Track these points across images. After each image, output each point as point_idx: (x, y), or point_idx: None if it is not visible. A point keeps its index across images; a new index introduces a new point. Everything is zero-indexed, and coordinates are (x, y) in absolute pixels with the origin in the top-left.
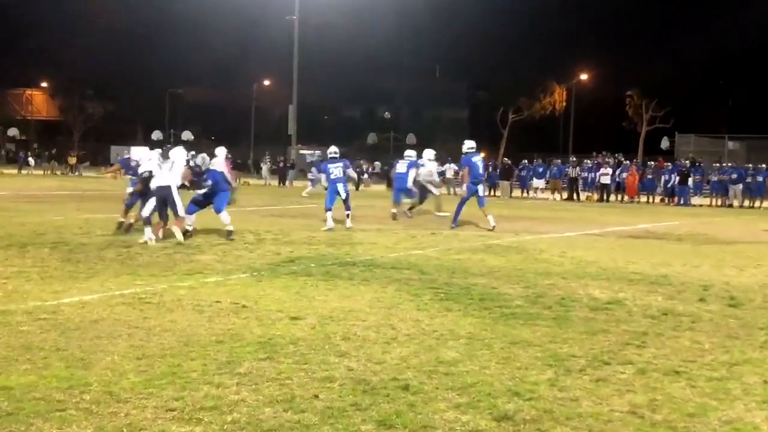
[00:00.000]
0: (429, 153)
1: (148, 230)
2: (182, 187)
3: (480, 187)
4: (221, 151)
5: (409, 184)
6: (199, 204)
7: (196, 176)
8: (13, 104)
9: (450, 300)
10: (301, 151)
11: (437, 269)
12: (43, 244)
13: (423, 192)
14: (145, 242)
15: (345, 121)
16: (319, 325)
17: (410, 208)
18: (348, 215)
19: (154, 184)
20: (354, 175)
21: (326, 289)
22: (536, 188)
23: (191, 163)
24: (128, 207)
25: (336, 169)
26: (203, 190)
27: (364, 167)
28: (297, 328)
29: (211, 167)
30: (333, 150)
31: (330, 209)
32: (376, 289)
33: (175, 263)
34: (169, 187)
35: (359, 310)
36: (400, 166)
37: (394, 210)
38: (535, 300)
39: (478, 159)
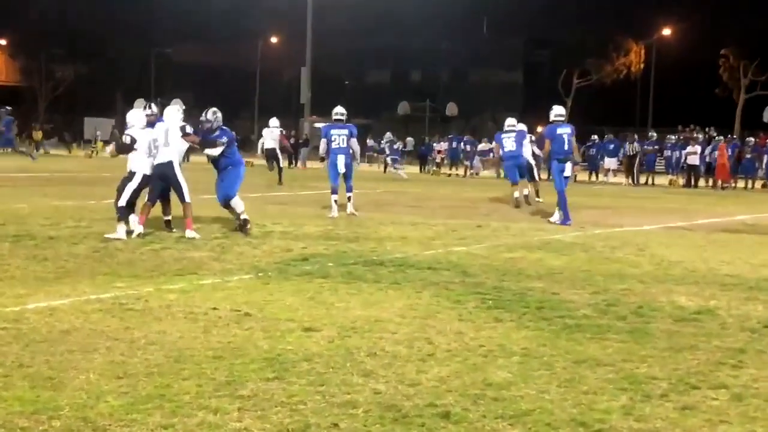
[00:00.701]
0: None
1: (132, 220)
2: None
3: (568, 166)
4: (275, 122)
5: (530, 158)
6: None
7: (207, 133)
8: None
9: (500, 308)
10: (316, 125)
11: (484, 270)
12: (2, 238)
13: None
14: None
15: (370, 88)
16: (338, 338)
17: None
18: (349, 198)
19: (141, 162)
20: (357, 147)
21: (347, 293)
22: (607, 170)
23: (202, 118)
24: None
25: (340, 137)
26: (215, 152)
27: (395, 145)
28: (312, 342)
29: (264, 142)
30: (339, 111)
31: (336, 190)
32: (408, 295)
33: (164, 261)
34: (170, 164)
35: (388, 320)
36: (508, 142)
37: (516, 194)
38: (605, 309)
39: (566, 131)
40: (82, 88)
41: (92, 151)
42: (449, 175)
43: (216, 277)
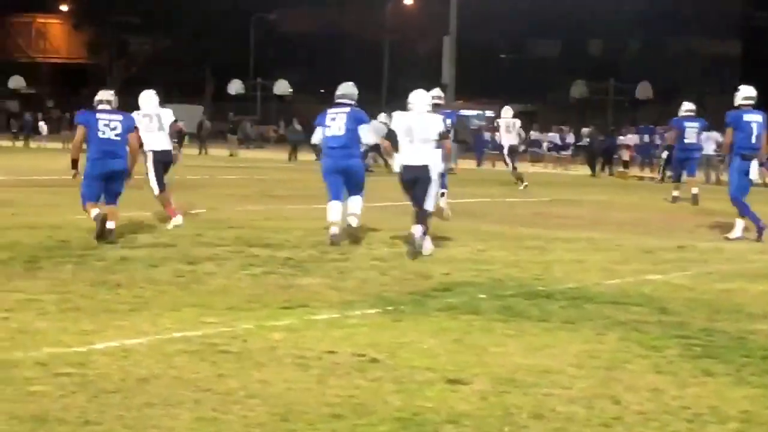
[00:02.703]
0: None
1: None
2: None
3: (753, 165)
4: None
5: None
6: None
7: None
8: (16, 39)
9: (711, 357)
10: (463, 111)
11: (689, 306)
12: (64, 258)
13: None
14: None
15: (533, 63)
16: (493, 394)
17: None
18: (443, 194)
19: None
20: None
21: (504, 335)
22: None
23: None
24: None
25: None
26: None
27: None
28: (458, 398)
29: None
30: (435, 94)
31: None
32: (587, 337)
33: (266, 290)
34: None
35: (559, 370)
36: (690, 132)
37: (676, 193)
38: None
39: (757, 118)
40: (162, 67)
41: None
42: (640, 178)
43: (333, 312)
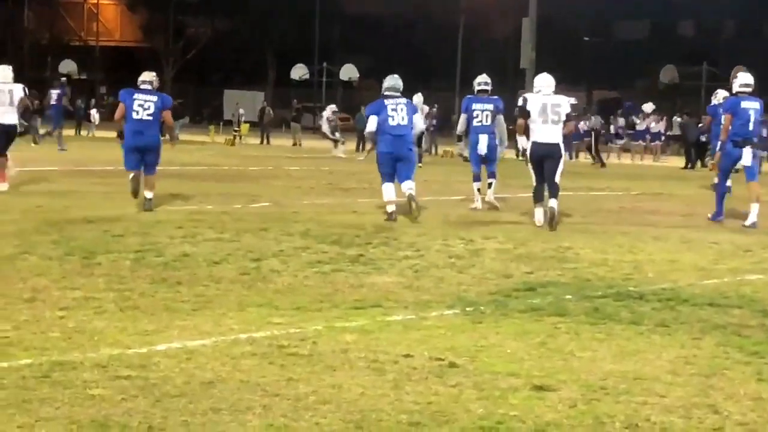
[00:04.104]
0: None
1: None
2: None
3: (746, 152)
4: (419, 98)
5: None
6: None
7: None
8: (68, 21)
9: None
10: None
11: None
12: (122, 254)
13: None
14: None
15: (619, 46)
16: (582, 402)
17: None
18: (490, 184)
19: None
20: (504, 127)
21: (593, 339)
22: None
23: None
24: None
25: (483, 113)
26: None
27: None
28: (545, 406)
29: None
30: (483, 80)
31: (478, 177)
32: (682, 342)
33: (336, 289)
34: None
35: (653, 377)
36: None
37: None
38: None
39: (754, 105)
40: (222, 51)
41: (234, 136)
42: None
43: (408, 312)
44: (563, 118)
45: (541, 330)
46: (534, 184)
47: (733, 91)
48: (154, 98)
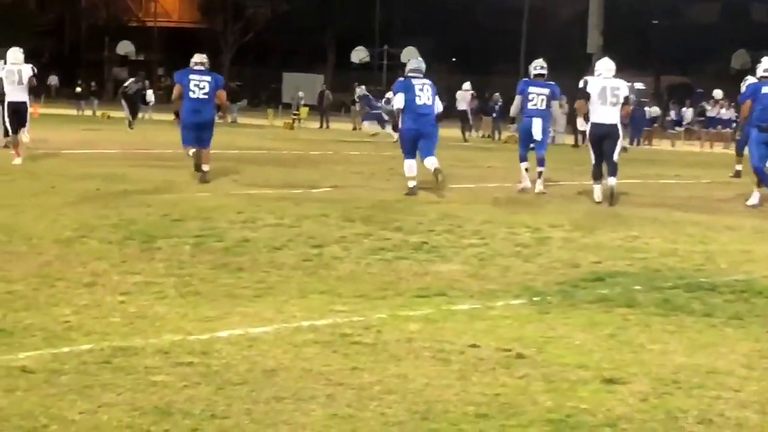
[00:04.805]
0: None
1: None
2: None
3: None
4: (467, 86)
5: None
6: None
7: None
8: (125, 1)
9: None
10: None
11: None
12: (182, 239)
13: None
14: None
15: (689, 29)
16: (654, 396)
17: None
18: (540, 173)
19: None
20: (559, 112)
21: (664, 331)
22: None
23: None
24: None
25: (539, 96)
26: None
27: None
28: (615, 399)
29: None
30: (539, 64)
31: (525, 157)
32: (757, 335)
33: (400, 276)
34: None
35: (727, 371)
36: None
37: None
38: None
39: None
40: (281, 33)
41: (293, 120)
42: None
43: (474, 302)
44: (621, 100)
45: (610, 321)
46: (593, 162)
47: (757, 76)
48: (209, 78)
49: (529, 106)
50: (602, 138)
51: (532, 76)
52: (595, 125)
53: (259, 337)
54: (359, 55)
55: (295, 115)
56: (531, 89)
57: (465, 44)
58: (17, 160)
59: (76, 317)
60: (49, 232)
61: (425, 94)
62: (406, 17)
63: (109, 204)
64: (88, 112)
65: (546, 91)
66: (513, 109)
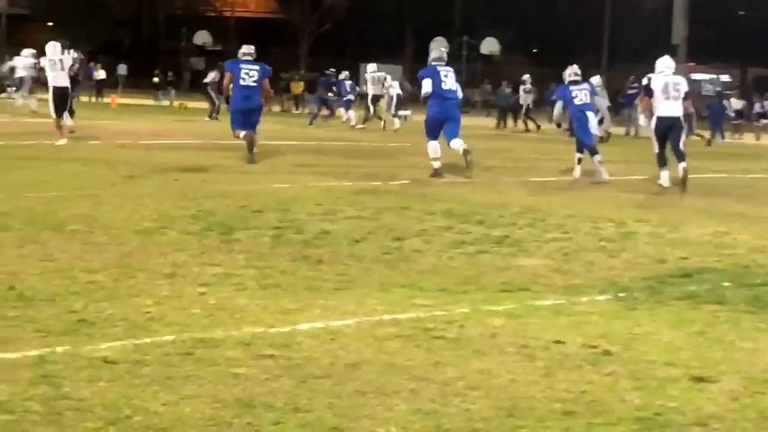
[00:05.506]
0: None
1: None
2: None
3: None
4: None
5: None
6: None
7: None
8: None
9: None
10: (695, 76)
11: None
12: (261, 230)
13: None
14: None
15: None
16: (746, 395)
17: None
18: (599, 161)
19: None
20: (604, 105)
21: (755, 329)
22: None
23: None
24: None
25: (582, 92)
26: None
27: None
28: (705, 398)
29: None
30: (573, 71)
31: (596, 151)
32: None
33: (482, 270)
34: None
35: None
36: None
37: None
38: None
39: None
40: (359, 23)
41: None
42: None
43: (558, 297)
44: (682, 95)
45: (698, 318)
46: (656, 151)
47: None
48: (257, 67)
49: (576, 102)
50: (668, 130)
51: (567, 82)
52: (660, 118)
53: (340, 330)
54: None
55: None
56: (572, 88)
57: (545, 35)
58: (62, 141)
59: (156, 308)
60: (129, 222)
61: (450, 79)
62: (486, 7)
63: (188, 195)
64: (165, 103)
65: (586, 86)
66: (556, 114)
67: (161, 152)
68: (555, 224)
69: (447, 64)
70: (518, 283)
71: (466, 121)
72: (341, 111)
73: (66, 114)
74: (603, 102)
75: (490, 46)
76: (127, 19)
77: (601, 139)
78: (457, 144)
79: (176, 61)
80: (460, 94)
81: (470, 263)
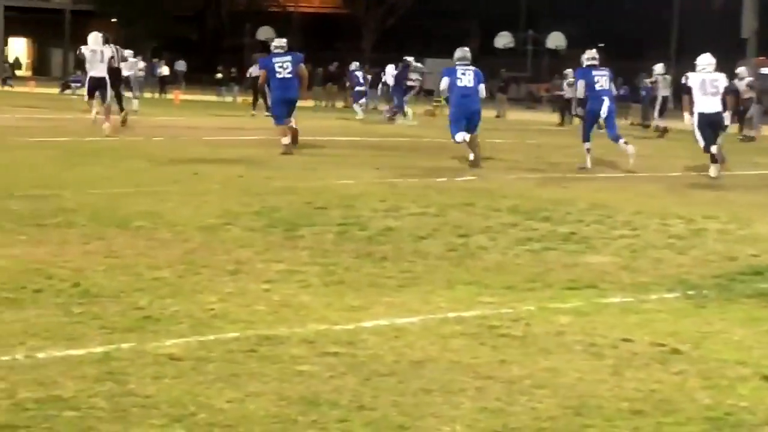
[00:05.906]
0: None
1: None
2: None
3: None
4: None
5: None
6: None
7: None
8: None
9: None
10: (764, 70)
11: None
12: (325, 227)
13: None
14: None
15: None
16: None
17: None
18: (627, 146)
19: None
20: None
21: None
22: None
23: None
24: None
25: (603, 77)
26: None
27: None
28: None
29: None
30: (591, 55)
31: (590, 138)
32: None
33: (548, 268)
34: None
35: None
36: None
37: None
38: None
39: None
40: (423, 18)
41: (435, 107)
42: None
43: (626, 294)
44: (721, 90)
45: None
46: (702, 145)
47: None
48: (289, 58)
49: (597, 87)
50: (710, 125)
51: (585, 66)
52: (701, 114)
53: (405, 327)
54: (503, 40)
55: (437, 102)
56: (594, 72)
57: (612, 29)
58: (106, 125)
59: (221, 305)
60: (193, 219)
61: (467, 77)
62: (552, 2)
63: (252, 191)
64: (229, 99)
65: (606, 72)
66: (579, 92)
67: (225, 148)
68: (622, 221)
69: (471, 64)
70: (585, 280)
71: (531, 116)
72: (353, 104)
73: (111, 100)
74: (662, 92)
75: (556, 40)
76: (191, 16)
77: (660, 134)
78: (461, 137)
79: (240, 57)
80: (482, 92)
81: (536, 260)
